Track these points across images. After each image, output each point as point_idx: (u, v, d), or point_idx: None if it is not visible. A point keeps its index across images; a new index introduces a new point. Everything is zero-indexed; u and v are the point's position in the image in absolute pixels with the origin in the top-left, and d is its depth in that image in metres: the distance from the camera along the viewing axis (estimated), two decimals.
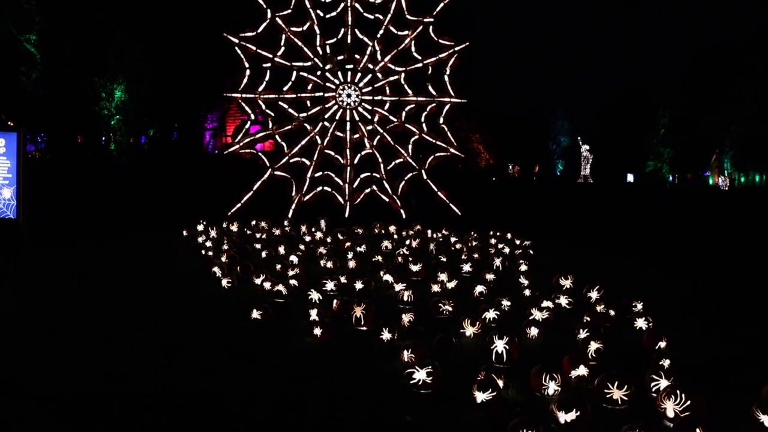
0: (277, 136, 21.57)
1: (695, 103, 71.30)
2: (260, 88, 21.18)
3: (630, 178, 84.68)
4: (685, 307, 10.91)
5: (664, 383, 6.38)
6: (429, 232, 18.20)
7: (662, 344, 8.04)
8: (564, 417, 5.51)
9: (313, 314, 8.88)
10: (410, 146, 21.99)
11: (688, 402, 5.79)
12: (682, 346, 8.16)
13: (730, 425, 5.78)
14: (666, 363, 7.08)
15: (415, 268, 12.49)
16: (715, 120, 69.86)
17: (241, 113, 23.09)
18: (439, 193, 21.99)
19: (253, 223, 18.42)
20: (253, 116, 21.78)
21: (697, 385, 6.09)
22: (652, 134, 77.06)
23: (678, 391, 5.87)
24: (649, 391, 6.45)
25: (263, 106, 21.43)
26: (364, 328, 8.68)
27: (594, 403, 5.99)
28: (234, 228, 18.07)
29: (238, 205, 20.77)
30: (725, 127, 70.50)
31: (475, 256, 14.10)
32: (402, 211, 21.37)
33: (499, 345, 7.33)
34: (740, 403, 5.96)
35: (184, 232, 17.08)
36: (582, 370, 6.91)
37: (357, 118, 21.75)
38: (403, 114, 21.91)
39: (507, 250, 15.59)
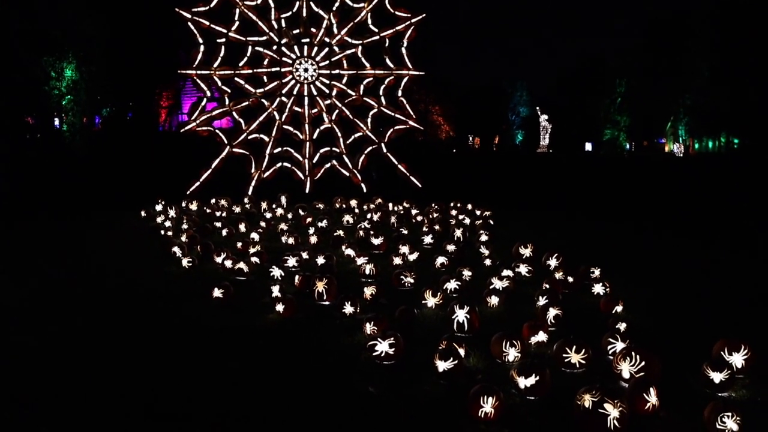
0: (234, 113, 21.31)
1: (651, 71, 72.31)
2: (215, 64, 20.86)
3: (588, 147, 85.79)
4: (642, 271, 11.15)
5: (620, 346, 6.54)
6: (390, 205, 18.25)
7: (619, 308, 8.23)
8: (524, 382, 5.61)
9: (276, 290, 8.87)
10: (369, 120, 21.93)
11: (643, 363, 5.95)
12: (637, 309, 8.37)
13: (682, 383, 5.96)
14: (622, 326, 7.25)
15: (376, 241, 12.52)
16: (670, 88, 71.00)
17: (196, 90, 22.67)
18: (399, 166, 22.01)
19: (213, 201, 18.24)
20: (209, 93, 21.44)
21: (652, 346, 6.26)
22: (609, 103, 77.98)
23: (633, 353, 6.03)
24: (606, 354, 6.60)
25: (219, 83, 21.11)
26: (327, 303, 8.69)
27: (553, 367, 6.11)
28: (193, 207, 17.87)
29: (197, 183, 20.52)
30: (680, 95, 71.76)
31: (436, 227, 14.18)
32: (363, 185, 21.36)
33: (460, 314, 7.41)
34: (692, 361, 6.14)
35: (143, 213, 16.83)
36: (541, 336, 7.04)
37: (315, 93, 21.57)
38: (361, 87, 21.80)
39: (467, 221, 15.72)
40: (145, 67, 41.06)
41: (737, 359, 6.21)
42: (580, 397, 5.09)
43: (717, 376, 5.84)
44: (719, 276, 10.89)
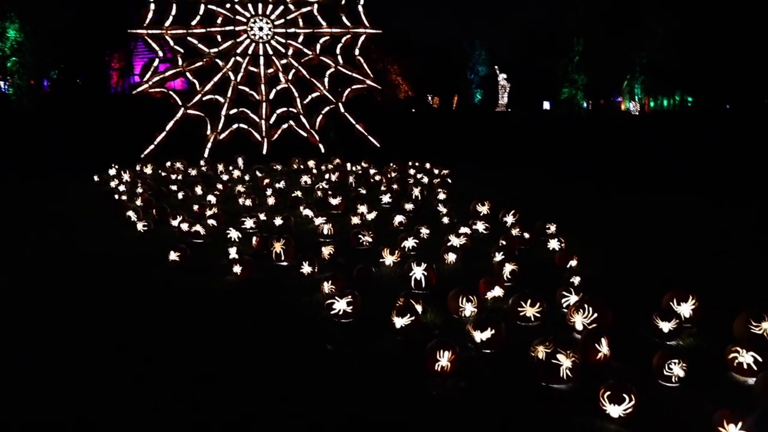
0: (187, 74, 20.83)
1: (607, 30, 72.68)
2: (167, 24, 20.30)
3: (546, 105, 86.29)
4: (597, 227, 11.35)
5: (573, 299, 6.67)
6: (348, 165, 18.19)
7: (573, 263, 8.37)
8: (480, 336, 5.70)
9: (233, 252, 8.80)
10: (326, 79, 21.68)
11: (595, 315, 6.10)
12: (592, 264, 8.53)
13: (632, 332, 6.12)
14: (576, 280, 7.38)
15: (334, 201, 12.48)
16: (627, 47, 71.55)
17: (148, 51, 22.08)
18: (357, 126, 21.88)
19: (168, 164, 17.91)
20: (161, 54, 20.91)
21: (604, 298, 6.40)
22: (567, 62, 78.32)
23: (586, 305, 6.16)
24: (560, 307, 6.73)
25: (171, 43, 20.59)
26: (285, 263, 8.66)
27: (508, 321, 6.21)
28: (148, 170, 17.52)
29: (151, 146, 20.13)
30: (636, 54, 72.42)
31: (395, 187, 14.19)
32: (321, 146, 21.21)
33: (418, 272, 7.46)
34: (643, 312, 6.30)
35: (96, 177, 16.44)
36: (497, 291, 7.13)
37: (270, 52, 21.19)
38: (318, 46, 21.48)
39: (426, 179, 15.76)
40: (94, 27, 39.70)
41: (685, 309, 6.39)
42: (534, 349, 5.18)
43: (666, 326, 6.01)
44: (672, 231, 11.15)
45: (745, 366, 5.28)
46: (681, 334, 6.09)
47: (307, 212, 11.69)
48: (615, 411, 4.54)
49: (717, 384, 5.19)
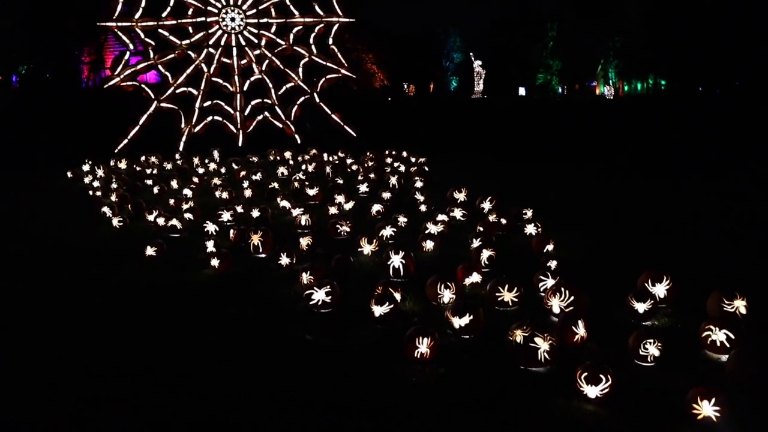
0: (160, 66, 20.57)
1: (580, 14, 73.03)
2: (137, 16, 20.01)
3: (522, 91, 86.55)
4: (573, 212, 11.45)
5: (550, 283, 6.74)
6: (325, 155, 18.14)
7: (550, 247, 8.45)
8: (458, 322, 5.74)
9: (210, 246, 8.75)
10: (300, 69, 21.54)
11: (572, 298, 6.16)
12: (568, 248, 8.61)
13: (608, 314, 6.20)
14: (553, 264, 7.47)
15: (312, 192, 12.46)
16: (600, 32, 71.97)
17: (119, 44, 21.75)
18: (333, 116, 21.80)
19: (143, 158, 17.71)
20: (131, 46, 20.62)
21: (581, 282, 6.47)
22: (542, 48, 78.66)
23: (563, 289, 6.23)
24: (537, 291, 6.80)
25: (142, 35, 20.30)
26: (263, 256, 8.64)
27: (486, 306, 6.26)
28: (122, 165, 17.33)
29: (125, 141, 19.89)
30: (609, 38, 72.88)
31: (372, 176, 14.19)
32: (297, 136, 21.11)
33: (396, 260, 7.48)
34: (618, 294, 6.38)
35: (69, 174, 16.22)
36: (475, 277, 7.18)
37: (243, 43, 21.01)
38: (291, 36, 21.33)
39: (403, 168, 15.77)
40: (63, 21, 39.01)
41: (660, 290, 6.48)
42: (512, 333, 5.23)
43: (641, 306, 6.10)
44: (646, 214, 11.29)
45: (718, 343, 5.38)
46: (656, 314, 6.19)
47: (285, 203, 11.66)
48: (592, 392, 4.61)
49: (691, 362, 5.28)
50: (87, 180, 15.24)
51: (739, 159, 18.40)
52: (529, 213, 10.07)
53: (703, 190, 13.34)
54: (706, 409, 4.28)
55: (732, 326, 5.41)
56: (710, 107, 42.63)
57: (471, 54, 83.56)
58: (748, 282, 6.77)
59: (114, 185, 13.78)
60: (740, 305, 5.91)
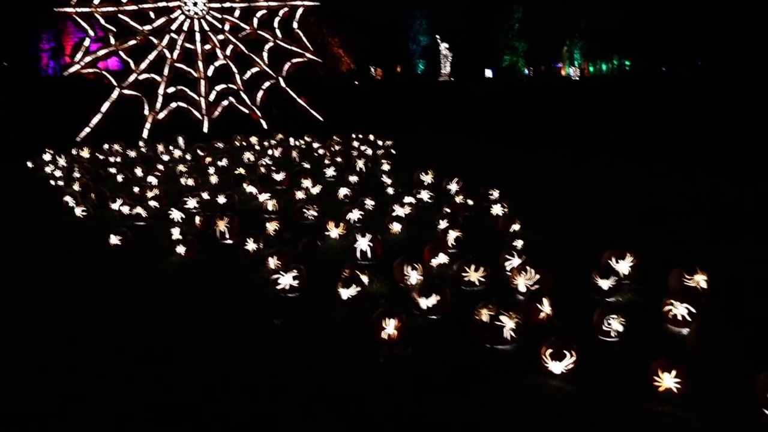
0: (121, 53, 20.19)
1: None
2: (96, 1, 19.58)
3: (489, 73, 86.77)
4: (539, 192, 11.55)
5: (516, 262, 6.80)
6: (291, 140, 18.02)
7: (516, 227, 8.51)
8: (425, 302, 5.77)
9: (176, 233, 8.65)
10: (265, 54, 21.32)
11: (537, 276, 6.23)
12: (534, 227, 8.69)
13: (573, 291, 6.28)
14: (519, 244, 7.53)
15: (278, 177, 12.37)
16: (565, 12, 72.47)
17: (79, 30, 21.29)
18: (299, 101, 21.64)
19: (106, 146, 17.41)
20: (91, 33, 20.19)
21: (546, 260, 6.54)
22: (507, 29, 78.87)
23: (528, 267, 6.29)
24: (503, 271, 6.85)
25: (102, 21, 19.87)
26: (230, 242, 8.57)
27: (453, 287, 6.30)
28: (85, 154, 17.00)
29: (87, 129, 19.52)
30: (574, 19, 73.42)
31: (339, 160, 14.14)
32: (263, 121, 20.93)
33: (363, 243, 7.48)
34: (583, 271, 6.45)
35: (29, 164, 15.87)
36: (442, 258, 7.22)
37: (206, 28, 20.72)
38: (255, 20, 21.09)
39: (369, 151, 15.74)
40: (20, 7, 38.04)
41: (623, 267, 6.58)
42: (478, 312, 5.28)
43: (605, 283, 6.19)
44: (609, 193, 11.44)
45: (680, 317, 5.49)
46: (620, 290, 6.28)
47: (251, 189, 11.57)
48: (557, 367, 4.67)
49: (653, 336, 5.38)
50: (48, 170, 14.94)
51: (701, 139, 18.70)
52: (496, 194, 10.13)
53: (665, 171, 13.53)
54: (668, 381, 4.37)
55: (693, 301, 5.53)
56: (674, 87, 43.18)
57: (437, 37, 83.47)
58: (708, 257, 6.92)
59: (76, 174, 13.54)
60: (701, 280, 6.03)
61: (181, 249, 7.97)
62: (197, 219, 9.30)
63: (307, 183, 11.45)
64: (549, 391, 4.55)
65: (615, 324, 5.22)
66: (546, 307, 5.56)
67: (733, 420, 4.15)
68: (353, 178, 11.86)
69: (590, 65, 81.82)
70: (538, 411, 4.32)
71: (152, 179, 12.70)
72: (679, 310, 5.49)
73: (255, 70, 21.28)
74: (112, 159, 16.09)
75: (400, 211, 9.28)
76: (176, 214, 9.71)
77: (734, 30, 56.10)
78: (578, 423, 4.18)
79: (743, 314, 5.73)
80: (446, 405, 4.41)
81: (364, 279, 6.40)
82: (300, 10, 21.39)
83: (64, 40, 44.46)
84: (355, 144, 17.00)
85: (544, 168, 14.41)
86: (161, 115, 20.24)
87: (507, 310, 5.20)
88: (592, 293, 6.20)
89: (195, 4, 20.42)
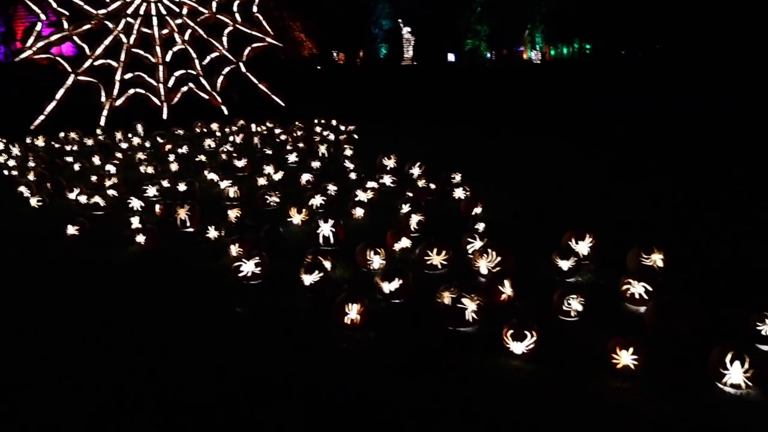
0: (75, 38, 19.67)
1: None
2: None
3: (451, 57, 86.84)
4: (501, 175, 11.62)
5: (478, 244, 6.85)
6: (253, 126, 17.83)
7: (478, 210, 8.57)
8: (388, 287, 5.78)
9: (135, 222, 8.52)
10: (225, 38, 21.01)
11: (499, 258, 6.29)
12: (496, 210, 8.76)
13: (534, 272, 6.35)
14: (481, 226, 7.58)
15: (240, 163, 12.25)
16: None
17: (30, 14, 20.66)
18: (260, 86, 21.41)
19: (62, 135, 17.00)
20: (43, 16, 19.63)
21: (508, 242, 6.61)
22: (469, 13, 78.96)
23: (489, 250, 6.34)
24: (465, 254, 6.90)
25: (54, 5, 19.32)
26: (191, 230, 8.47)
27: (416, 270, 6.32)
28: (40, 143, 16.58)
29: (42, 117, 19.04)
30: (535, 2, 73.81)
31: (301, 145, 14.05)
32: (223, 107, 20.66)
33: (325, 228, 7.46)
34: (544, 253, 6.53)
35: None
36: (405, 242, 7.23)
37: (164, 12, 20.31)
38: (214, 4, 20.74)
39: (332, 136, 15.66)
40: None
41: (583, 247, 6.68)
42: (440, 296, 5.31)
43: (565, 264, 6.27)
44: (570, 174, 11.58)
45: (637, 296, 5.59)
46: (579, 271, 6.38)
47: (212, 176, 11.43)
48: (518, 348, 4.73)
49: (612, 315, 5.48)
50: (1, 159, 14.54)
51: (660, 120, 19.01)
52: (458, 177, 10.18)
53: (627, 151, 13.74)
54: (625, 358, 4.46)
55: (649, 279, 5.64)
56: (633, 69, 43.75)
57: (400, 21, 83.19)
58: (665, 236, 7.06)
59: (31, 163, 13.21)
60: (657, 259, 6.15)
61: (140, 238, 7.86)
62: (157, 207, 9.16)
63: (269, 169, 11.36)
64: (510, 371, 4.61)
65: (575, 304, 5.30)
66: (507, 289, 5.62)
67: (688, 394, 4.26)
68: (316, 164, 11.80)
69: (551, 49, 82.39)
70: (499, 391, 4.37)
71: (111, 167, 12.46)
72: (637, 288, 5.60)
73: (215, 55, 20.96)
74: (68, 147, 15.74)
75: (362, 196, 9.28)
76: (136, 203, 9.56)
77: (690, 13, 57.03)
78: (539, 401, 4.25)
79: (698, 292, 5.86)
80: (408, 388, 4.44)
81: (327, 264, 6.39)
82: None
83: (14, 25, 43.14)
84: (318, 129, 16.89)
85: (506, 150, 14.51)
86: (119, 102, 19.82)
87: (469, 293, 5.24)
88: (552, 274, 6.29)
89: None
